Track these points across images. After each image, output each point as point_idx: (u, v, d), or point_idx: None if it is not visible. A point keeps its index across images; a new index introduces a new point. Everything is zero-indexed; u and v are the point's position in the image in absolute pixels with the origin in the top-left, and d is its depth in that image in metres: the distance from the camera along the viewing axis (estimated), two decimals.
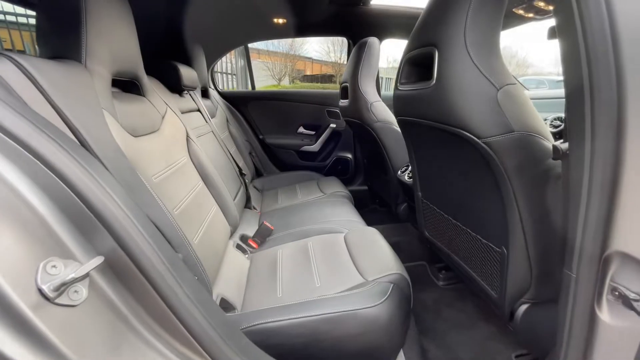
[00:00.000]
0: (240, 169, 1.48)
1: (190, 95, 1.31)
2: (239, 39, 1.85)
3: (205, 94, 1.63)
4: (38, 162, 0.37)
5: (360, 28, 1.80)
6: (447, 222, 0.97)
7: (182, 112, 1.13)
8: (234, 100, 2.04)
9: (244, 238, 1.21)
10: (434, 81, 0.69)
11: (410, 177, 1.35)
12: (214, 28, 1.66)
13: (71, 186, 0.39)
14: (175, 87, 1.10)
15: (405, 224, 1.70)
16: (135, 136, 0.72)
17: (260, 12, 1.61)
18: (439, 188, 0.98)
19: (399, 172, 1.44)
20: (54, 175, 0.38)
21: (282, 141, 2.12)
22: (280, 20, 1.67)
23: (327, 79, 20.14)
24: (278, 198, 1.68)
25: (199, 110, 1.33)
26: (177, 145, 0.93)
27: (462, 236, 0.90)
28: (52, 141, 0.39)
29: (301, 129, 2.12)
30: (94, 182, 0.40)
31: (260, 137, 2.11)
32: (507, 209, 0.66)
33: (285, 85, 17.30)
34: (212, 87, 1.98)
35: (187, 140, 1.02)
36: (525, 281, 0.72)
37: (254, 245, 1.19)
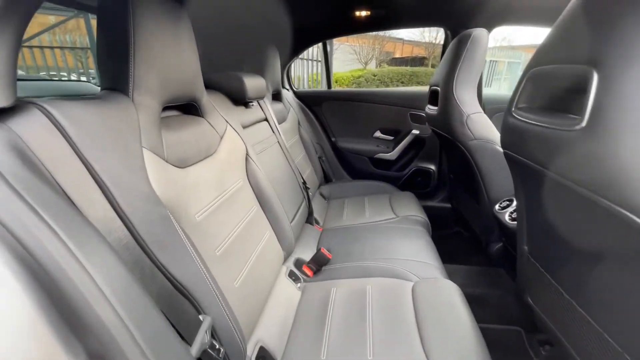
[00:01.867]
0: (304, 182, 1.38)
1: (258, 103, 1.25)
2: (316, 36, 1.72)
3: (277, 96, 1.57)
4: (27, 254, 0.32)
5: (462, 15, 1.44)
6: (564, 302, 0.71)
7: (246, 127, 1.07)
8: (307, 101, 1.95)
9: (298, 263, 1.12)
10: (585, 121, 0.45)
11: (512, 219, 1.03)
12: (289, 27, 1.56)
13: (57, 281, 0.32)
14: (240, 100, 1.05)
15: (497, 269, 1.36)
16: (185, 167, 0.67)
17: (340, 4, 1.43)
18: (561, 254, 0.71)
19: (497, 207, 1.12)
20: (41, 266, 0.32)
21: (355, 146, 1.95)
22: (364, 13, 1.46)
23: (417, 61, 18.56)
24: (344, 211, 1.54)
25: (266, 119, 1.27)
26: (233, 168, 0.88)
27: (588, 333, 0.64)
28: (45, 228, 0.33)
29: (378, 134, 1.90)
30: (83, 278, 0.33)
31: (333, 139, 1.98)
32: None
33: (371, 69, 16.64)
34: (287, 87, 1.92)
35: (246, 159, 0.96)
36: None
37: (308, 272, 1.09)
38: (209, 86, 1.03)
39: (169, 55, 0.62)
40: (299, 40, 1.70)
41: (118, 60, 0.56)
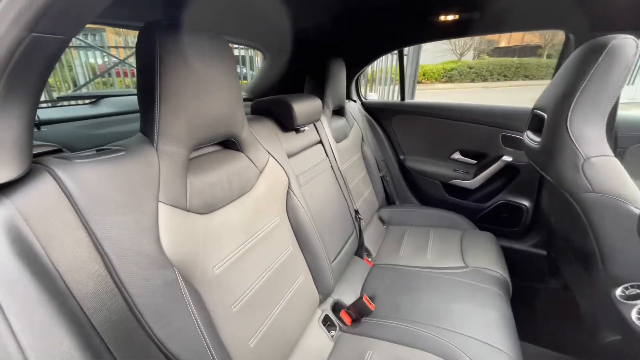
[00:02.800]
0: (357, 212, 1.25)
1: (314, 124, 1.16)
2: (390, 45, 1.52)
3: (340, 111, 1.46)
4: None
5: (598, 14, 1.06)
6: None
7: (293, 155, 1.00)
8: (376, 114, 1.77)
9: (337, 307, 1.02)
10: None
11: (624, 297, 0.72)
12: (358, 37, 1.41)
13: None
14: (289, 126, 0.98)
15: None
16: (210, 212, 0.64)
17: (420, 9, 1.21)
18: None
19: (618, 292, 0.79)
20: None
21: (427, 167, 1.70)
22: (450, 17, 1.20)
23: (528, 51, 15.73)
24: (402, 245, 1.36)
25: (321, 142, 1.18)
26: (271, 204, 0.82)
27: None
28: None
29: (457, 155, 1.61)
30: None
31: (401, 157, 1.77)
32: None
33: (467, 60, 14.76)
34: (355, 97, 1.79)
35: (287, 193, 0.89)
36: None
37: (346, 320, 0.98)
38: (259, 112, 0.99)
39: (200, 100, 0.58)
40: (369, 50, 1.54)
41: (145, 107, 0.54)
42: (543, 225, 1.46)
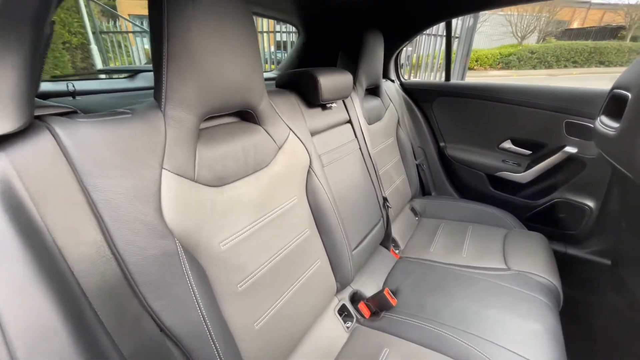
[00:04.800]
0: (385, 199, 1.16)
1: (343, 102, 1.08)
2: (435, 15, 1.34)
3: (375, 90, 1.35)
4: None
5: None
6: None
7: (318, 132, 0.93)
8: (416, 95, 1.62)
9: (356, 297, 0.96)
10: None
11: None
12: (399, 8, 1.26)
13: None
14: (314, 102, 0.91)
15: None
16: (221, 185, 0.60)
17: None
18: None
19: None
20: None
21: (469, 157, 1.53)
22: None
23: (607, 33, 13.64)
24: (434, 239, 1.24)
25: (350, 121, 1.09)
26: (289, 183, 0.77)
27: None
28: None
29: (508, 144, 1.42)
30: None
31: (441, 145, 1.61)
32: None
33: (529, 45, 13.15)
34: (393, 77, 1.65)
35: (308, 172, 0.84)
36: None
37: (365, 312, 0.92)
38: (282, 85, 0.93)
39: (212, 63, 0.54)
40: (411, 21, 1.38)
41: (155, 70, 0.51)
42: (609, 231, 1.24)
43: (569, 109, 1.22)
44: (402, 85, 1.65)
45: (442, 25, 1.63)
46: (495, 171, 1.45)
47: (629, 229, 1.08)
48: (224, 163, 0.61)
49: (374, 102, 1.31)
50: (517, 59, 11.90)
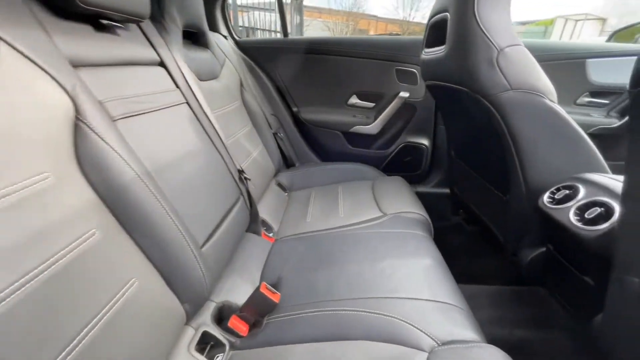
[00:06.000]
0: (241, 172, 0.88)
1: (140, 29, 0.71)
2: None
3: (201, 41, 1.03)
4: None
5: None
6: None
7: (93, 66, 0.54)
8: (255, 54, 1.40)
9: (223, 314, 0.65)
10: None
11: (553, 202, 0.63)
12: None
13: None
14: (69, 6, 0.51)
15: (534, 289, 0.96)
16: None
17: None
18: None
19: (545, 199, 0.70)
20: None
21: (324, 117, 1.45)
22: None
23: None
24: (308, 209, 1.07)
25: (163, 64, 0.74)
26: (20, 146, 0.36)
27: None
28: None
29: (354, 99, 1.42)
30: None
31: (294, 110, 1.47)
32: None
33: None
34: (224, 32, 1.37)
35: (78, 129, 0.44)
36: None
37: (240, 329, 0.62)
38: None
39: None
40: None
41: None
42: (442, 164, 1.43)
43: (397, 56, 1.30)
44: (237, 44, 1.39)
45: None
46: (349, 127, 1.43)
47: (456, 157, 1.25)
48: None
49: (203, 55, 0.99)
50: None
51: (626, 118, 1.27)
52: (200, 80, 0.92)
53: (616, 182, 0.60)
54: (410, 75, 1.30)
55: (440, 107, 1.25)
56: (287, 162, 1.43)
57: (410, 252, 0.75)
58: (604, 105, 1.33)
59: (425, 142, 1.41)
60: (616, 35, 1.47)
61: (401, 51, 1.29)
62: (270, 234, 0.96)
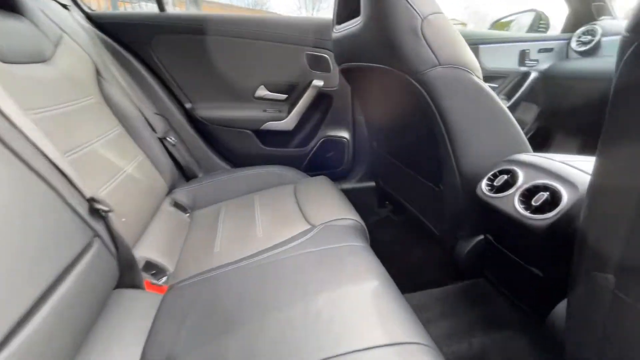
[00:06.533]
0: (92, 202, 0.57)
1: None
2: None
3: (10, 2, 0.66)
4: None
5: None
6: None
7: None
8: (120, 35, 1.05)
9: None
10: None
11: (492, 190, 0.56)
12: None
13: None
14: None
15: (476, 282, 0.92)
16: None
17: None
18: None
19: (484, 187, 0.63)
20: None
21: (228, 114, 1.20)
22: None
23: None
24: (217, 233, 0.82)
25: None
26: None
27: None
28: None
29: (262, 91, 1.20)
30: None
31: (188, 107, 1.17)
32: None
33: None
34: (67, 2, 0.97)
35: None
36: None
37: None
38: None
39: None
40: None
41: None
42: (365, 156, 1.35)
43: (306, 40, 1.14)
44: (90, 18, 1.01)
45: None
46: (260, 124, 1.21)
47: (377, 147, 1.17)
48: None
49: (10, 24, 0.63)
50: None
51: (514, 98, 1.40)
52: (5, 62, 0.57)
53: (553, 163, 0.55)
54: (323, 61, 1.16)
55: (357, 95, 1.14)
56: (185, 174, 1.13)
57: (350, 275, 0.59)
58: (495, 89, 1.47)
59: (345, 134, 1.29)
60: (495, 25, 1.64)
61: (310, 33, 1.13)
62: (161, 281, 0.68)
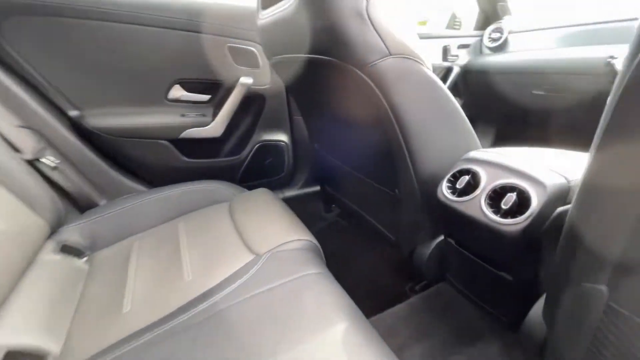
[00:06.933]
0: None
1: None
2: None
3: None
4: None
5: None
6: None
7: None
8: None
9: None
10: None
11: (455, 193, 0.52)
12: None
13: None
14: None
15: (438, 287, 0.88)
16: None
17: None
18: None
19: (444, 190, 0.57)
20: None
21: (132, 121, 0.95)
22: None
23: None
24: (127, 282, 0.61)
25: None
26: None
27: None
28: None
29: (178, 92, 0.98)
30: None
31: (72, 115, 0.88)
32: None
33: None
34: None
35: None
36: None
37: None
38: None
39: None
40: None
41: None
42: (306, 160, 1.24)
43: (228, 29, 0.96)
44: None
45: None
46: (179, 133, 0.99)
47: (319, 150, 1.07)
48: None
49: None
50: None
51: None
52: None
53: (515, 160, 0.52)
54: (250, 56, 1.00)
55: (292, 92, 1.02)
56: (78, 205, 0.85)
57: (312, 320, 0.47)
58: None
59: (283, 138, 1.16)
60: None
61: (233, 22, 0.96)
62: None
